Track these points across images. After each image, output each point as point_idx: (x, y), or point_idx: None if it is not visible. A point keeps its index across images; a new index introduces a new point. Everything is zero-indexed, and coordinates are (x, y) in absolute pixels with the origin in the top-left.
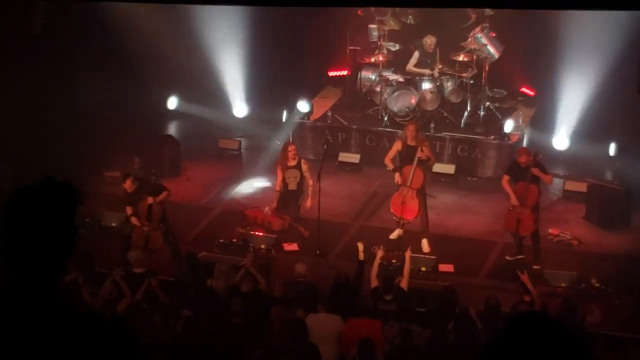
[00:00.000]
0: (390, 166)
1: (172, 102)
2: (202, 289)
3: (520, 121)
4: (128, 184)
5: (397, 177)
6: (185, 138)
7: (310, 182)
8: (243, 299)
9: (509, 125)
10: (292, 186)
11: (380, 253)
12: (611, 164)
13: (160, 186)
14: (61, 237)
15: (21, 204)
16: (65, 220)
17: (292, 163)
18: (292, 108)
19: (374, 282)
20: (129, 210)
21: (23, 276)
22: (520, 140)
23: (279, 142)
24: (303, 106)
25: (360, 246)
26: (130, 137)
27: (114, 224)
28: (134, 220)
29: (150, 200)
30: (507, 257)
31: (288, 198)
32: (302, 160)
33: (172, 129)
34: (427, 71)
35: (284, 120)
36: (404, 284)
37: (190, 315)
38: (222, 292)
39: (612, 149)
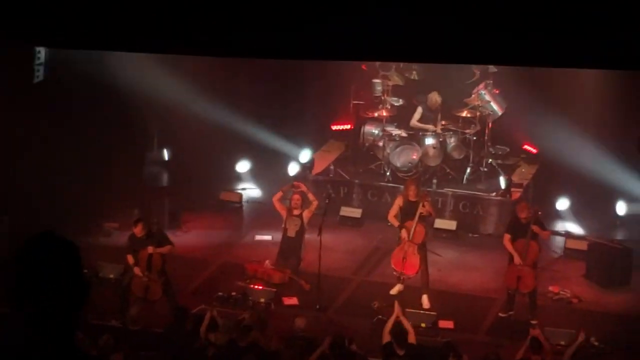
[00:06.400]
0: (395, 224)
1: (168, 154)
2: (193, 342)
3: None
4: (139, 229)
5: (404, 233)
6: (186, 190)
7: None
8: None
9: (510, 183)
10: (291, 233)
11: (397, 309)
12: (613, 223)
13: (165, 238)
14: (70, 287)
15: (28, 257)
16: (72, 270)
17: (296, 212)
18: (294, 161)
19: (387, 338)
20: (130, 259)
21: (38, 329)
22: (522, 197)
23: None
24: (303, 156)
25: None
26: (130, 188)
27: (111, 276)
28: (136, 270)
29: (150, 249)
30: (500, 314)
31: (288, 249)
32: (305, 211)
33: (172, 181)
34: (430, 127)
35: (287, 173)
36: (411, 338)
37: None
38: (220, 346)
39: (618, 207)
